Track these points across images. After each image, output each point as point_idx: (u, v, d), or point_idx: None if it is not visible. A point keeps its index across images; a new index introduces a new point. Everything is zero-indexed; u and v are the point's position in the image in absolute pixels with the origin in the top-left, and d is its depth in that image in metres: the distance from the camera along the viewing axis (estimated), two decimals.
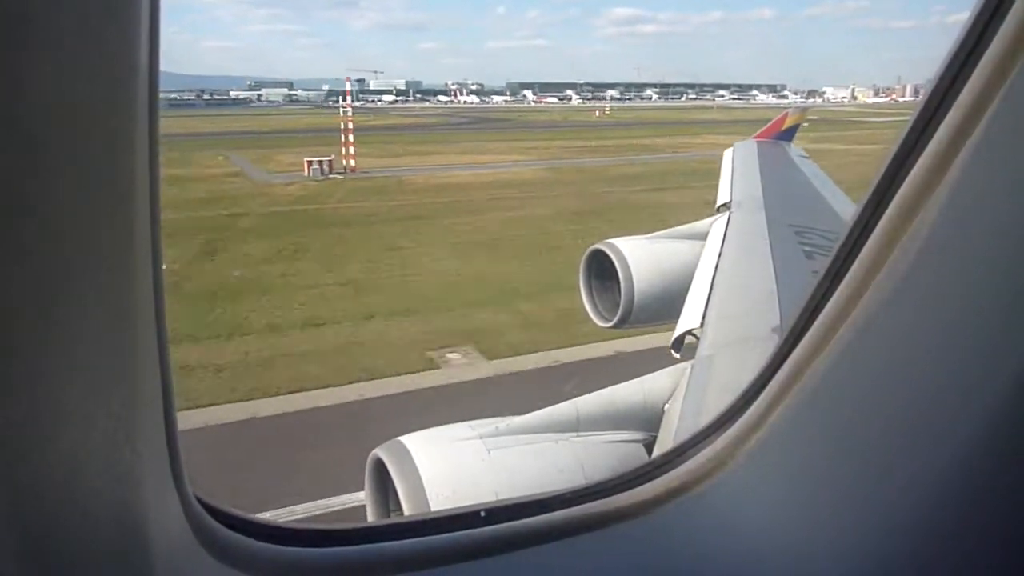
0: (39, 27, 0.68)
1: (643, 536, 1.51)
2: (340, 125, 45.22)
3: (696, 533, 1.54)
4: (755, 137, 11.07)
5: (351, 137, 43.00)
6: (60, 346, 0.81)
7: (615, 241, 7.15)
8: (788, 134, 11.29)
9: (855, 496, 1.32)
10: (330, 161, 42.38)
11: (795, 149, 10.81)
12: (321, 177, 40.79)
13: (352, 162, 42.86)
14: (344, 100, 50.93)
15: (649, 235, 7.42)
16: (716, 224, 6.96)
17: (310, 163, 41.60)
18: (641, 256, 6.88)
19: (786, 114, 11.75)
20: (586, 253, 7.37)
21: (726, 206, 7.55)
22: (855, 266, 1.27)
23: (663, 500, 1.55)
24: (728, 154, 9.54)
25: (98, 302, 0.84)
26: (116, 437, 0.92)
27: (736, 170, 8.78)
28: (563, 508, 1.51)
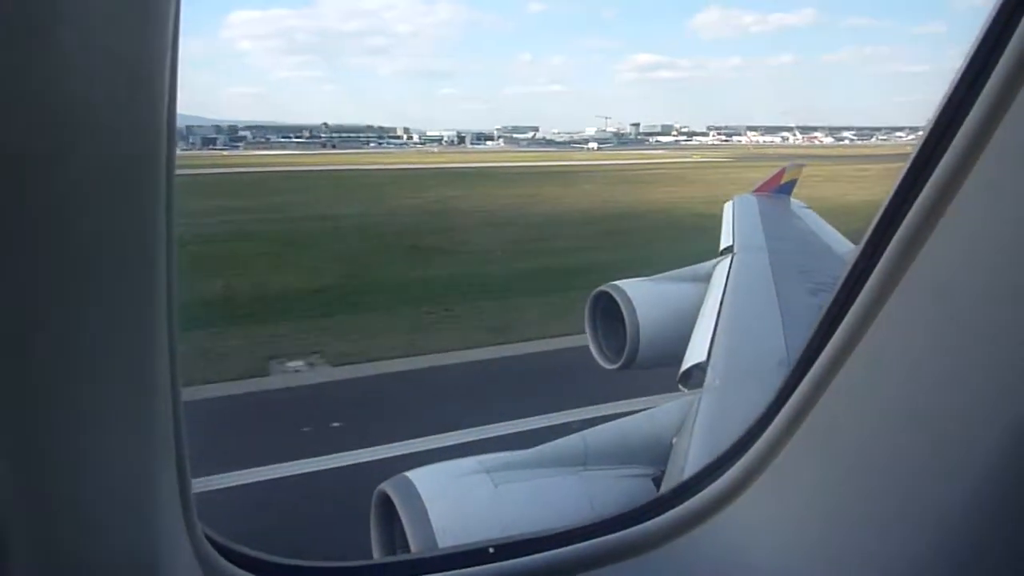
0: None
1: (653, 572, 1.50)
2: None
3: (706, 568, 1.52)
4: (754, 192, 11.23)
5: None
6: (76, 399, 0.82)
7: (620, 283, 7.19)
8: (786, 188, 11.46)
9: (863, 530, 1.31)
10: None
11: (795, 202, 10.96)
12: None
13: None
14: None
15: (653, 277, 7.47)
16: (720, 266, 7.02)
17: None
18: (646, 298, 6.90)
19: (784, 169, 11.92)
20: (592, 295, 7.41)
21: (729, 250, 7.63)
22: (859, 300, 1.28)
23: (672, 535, 1.54)
24: (728, 207, 9.68)
25: (113, 352, 0.85)
26: (129, 485, 0.92)
27: (737, 219, 8.89)
28: (572, 544, 1.50)
